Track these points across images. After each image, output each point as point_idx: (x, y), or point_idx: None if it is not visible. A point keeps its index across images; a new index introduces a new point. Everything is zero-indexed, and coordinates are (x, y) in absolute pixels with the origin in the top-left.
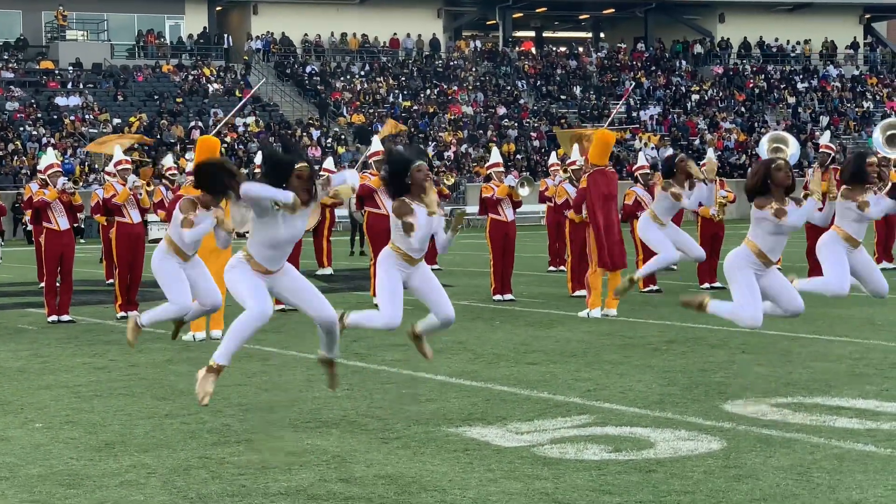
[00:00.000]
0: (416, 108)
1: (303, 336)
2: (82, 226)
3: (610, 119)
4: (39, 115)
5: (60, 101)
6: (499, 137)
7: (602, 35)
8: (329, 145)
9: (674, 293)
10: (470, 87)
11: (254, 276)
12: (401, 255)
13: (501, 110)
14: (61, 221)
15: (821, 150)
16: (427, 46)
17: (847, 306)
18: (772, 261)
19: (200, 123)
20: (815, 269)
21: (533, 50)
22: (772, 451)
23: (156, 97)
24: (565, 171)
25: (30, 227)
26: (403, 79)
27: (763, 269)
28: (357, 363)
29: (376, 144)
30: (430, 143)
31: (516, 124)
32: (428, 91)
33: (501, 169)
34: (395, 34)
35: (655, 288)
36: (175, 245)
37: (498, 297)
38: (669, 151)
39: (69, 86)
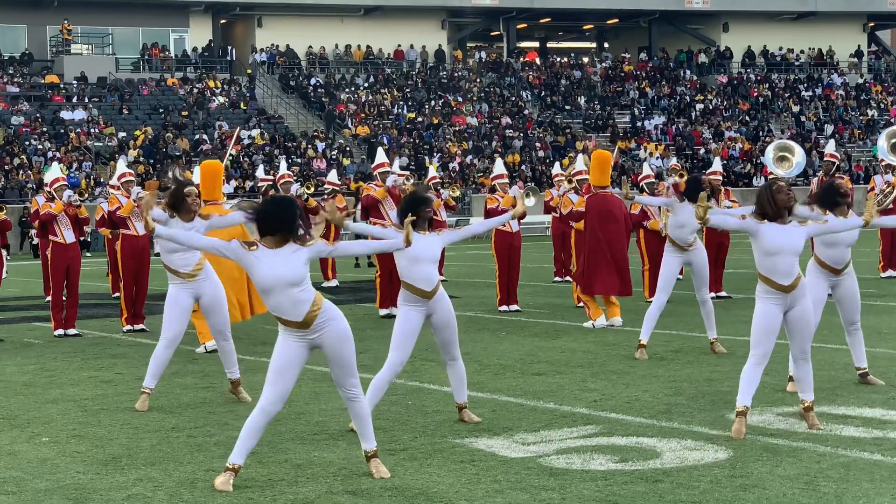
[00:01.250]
0: (420, 119)
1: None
2: (88, 239)
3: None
4: (45, 129)
5: (66, 114)
6: (503, 148)
7: (606, 45)
8: (334, 157)
9: (679, 303)
10: (474, 98)
11: (286, 351)
12: (412, 290)
13: (506, 121)
14: (67, 235)
15: (826, 158)
16: (431, 58)
17: None
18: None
19: (206, 136)
20: None
21: (537, 60)
22: (778, 461)
23: (161, 110)
24: (570, 181)
25: (36, 241)
26: (408, 90)
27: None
28: (364, 374)
29: (381, 156)
30: (434, 154)
31: (521, 135)
32: (432, 102)
33: (506, 180)
34: (399, 46)
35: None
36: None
37: (504, 307)
38: (674, 161)
39: (74, 99)
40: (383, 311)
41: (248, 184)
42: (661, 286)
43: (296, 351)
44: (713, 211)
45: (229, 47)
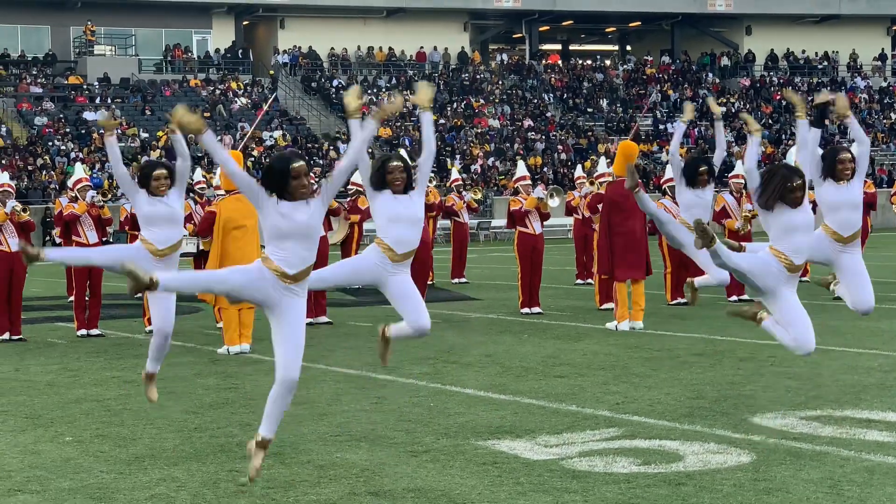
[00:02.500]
0: (442, 121)
1: (332, 349)
2: (111, 240)
3: (633, 132)
4: (68, 130)
5: (89, 115)
6: (525, 150)
7: (628, 48)
8: None
9: (701, 306)
10: (496, 101)
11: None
12: (384, 248)
13: (528, 123)
14: (90, 235)
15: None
16: (454, 60)
17: (876, 319)
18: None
19: (227, 137)
20: None
21: (559, 63)
22: (801, 465)
23: None
24: (592, 183)
25: (59, 241)
26: None
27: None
28: (386, 377)
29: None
30: (456, 156)
31: (543, 137)
32: (455, 104)
33: (528, 182)
34: (421, 48)
35: (683, 301)
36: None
37: (526, 310)
38: None
39: (97, 100)
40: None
41: None
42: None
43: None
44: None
45: (252, 49)
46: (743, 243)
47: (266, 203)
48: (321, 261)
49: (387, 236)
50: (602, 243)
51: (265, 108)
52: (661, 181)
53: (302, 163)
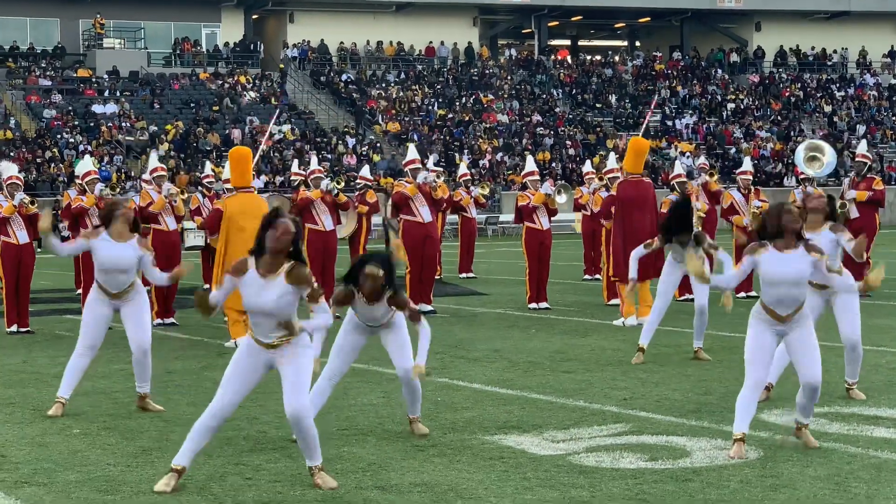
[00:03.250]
0: (451, 116)
1: None
2: None
3: (644, 127)
4: (76, 123)
5: (97, 108)
6: (534, 146)
7: (638, 43)
8: (364, 153)
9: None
10: (505, 96)
11: (238, 360)
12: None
13: (537, 118)
14: None
15: (857, 159)
16: (462, 55)
17: (885, 316)
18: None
19: (236, 131)
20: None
21: (568, 58)
22: (809, 461)
23: (192, 105)
24: (601, 178)
25: (67, 234)
26: (439, 87)
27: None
28: (393, 371)
29: (412, 153)
30: (465, 151)
31: (552, 132)
32: (463, 99)
33: (537, 177)
34: (430, 42)
35: (691, 297)
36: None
37: (533, 305)
38: (702, 160)
39: (106, 93)
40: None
41: (279, 179)
42: (661, 291)
43: (253, 364)
44: (714, 277)
45: (261, 43)
46: None
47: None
48: (330, 255)
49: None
50: (617, 246)
51: (270, 125)
52: (670, 177)
53: (287, 234)
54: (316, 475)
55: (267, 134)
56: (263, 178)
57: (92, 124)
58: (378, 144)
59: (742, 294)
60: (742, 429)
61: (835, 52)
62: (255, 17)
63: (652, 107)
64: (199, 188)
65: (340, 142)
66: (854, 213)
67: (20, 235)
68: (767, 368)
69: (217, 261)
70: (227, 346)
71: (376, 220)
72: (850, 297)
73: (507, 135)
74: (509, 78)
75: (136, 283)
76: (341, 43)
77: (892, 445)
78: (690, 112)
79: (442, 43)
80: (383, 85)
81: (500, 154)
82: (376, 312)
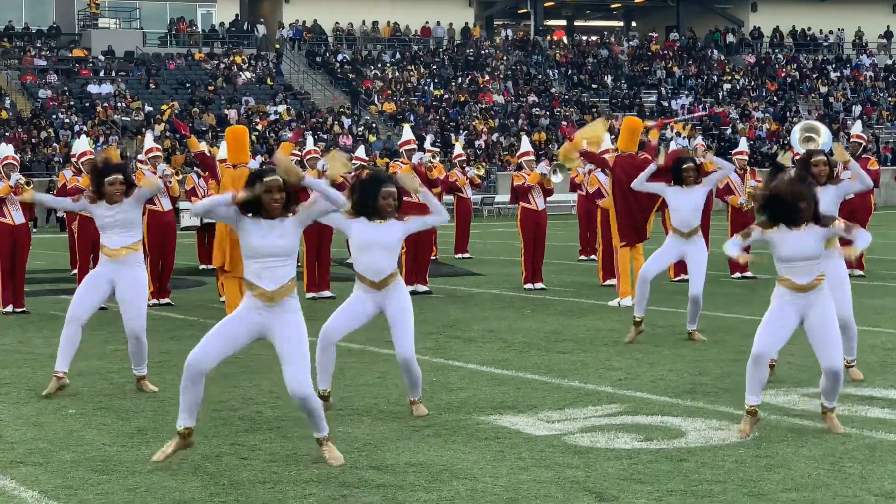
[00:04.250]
0: (447, 96)
1: None
2: None
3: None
4: (72, 103)
5: (93, 88)
6: (530, 126)
7: (634, 24)
8: (360, 133)
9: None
10: (501, 76)
11: (232, 317)
12: (359, 278)
13: (532, 99)
14: None
15: (852, 139)
16: (458, 35)
17: (880, 296)
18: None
19: (232, 111)
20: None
21: (564, 39)
22: (803, 441)
23: (188, 85)
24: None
25: (62, 214)
26: (434, 67)
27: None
28: (389, 351)
29: (407, 133)
30: (461, 131)
31: (547, 113)
32: (459, 80)
33: (532, 158)
34: (426, 23)
35: (686, 277)
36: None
37: (529, 285)
38: (699, 140)
39: (101, 73)
40: (408, 288)
41: None
42: (653, 258)
43: (247, 326)
44: (729, 243)
45: (256, 23)
46: None
47: (241, 223)
48: (325, 237)
49: (360, 266)
50: (620, 213)
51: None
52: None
53: (275, 177)
54: (324, 446)
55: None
56: (259, 158)
57: (87, 104)
58: (374, 125)
59: (738, 275)
60: (752, 401)
61: (831, 32)
62: None
63: (688, 115)
64: (194, 168)
65: (336, 122)
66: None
67: (16, 216)
68: (775, 341)
69: (218, 237)
70: None
71: None
72: (840, 276)
73: (502, 115)
74: (505, 58)
75: (137, 253)
76: (337, 23)
77: (887, 426)
78: (686, 93)
79: (438, 23)
80: (379, 65)
81: (496, 134)
82: (382, 234)
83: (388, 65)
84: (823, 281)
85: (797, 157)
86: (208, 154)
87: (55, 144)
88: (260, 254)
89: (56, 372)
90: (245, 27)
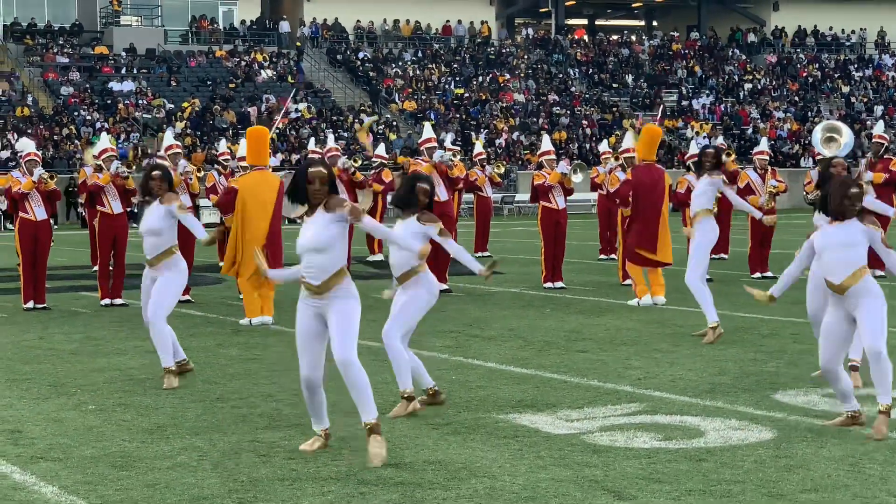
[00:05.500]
0: (467, 95)
1: None
2: (135, 210)
3: (660, 112)
4: (94, 100)
5: (114, 86)
6: (550, 125)
7: (655, 23)
8: (381, 132)
9: (724, 283)
10: (522, 75)
11: (298, 321)
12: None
13: (553, 98)
14: (115, 205)
15: (874, 139)
16: (479, 34)
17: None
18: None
19: (252, 109)
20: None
21: (585, 38)
22: (823, 442)
23: (208, 83)
24: (617, 158)
25: (83, 211)
26: (455, 66)
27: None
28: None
29: (428, 131)
30: (481, 130)
31: (568, 112)
32: (480, 78)
33: (553, 157)
34: (447, 21)
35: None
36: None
37: (548, 284)
38: (720, 140)
39: (123, 71)
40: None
41: (295, 157)
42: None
43: (308, 320)
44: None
45: (278, 21)
46: None
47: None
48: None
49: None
50: (632, 229)
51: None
52: (685, 157)
53: (319, 168)
54: (371, 438)
55: (283, 112)
56: (280, 156)
57: (109, 101)
58: (394, 123)
59: (758, 275)
60: (850, 408)
61: (853, 32)
62: None
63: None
64: (215, 166)
65: (356, 120)
66: (871, 194)
67: (38, 212)
68: (838, 348)
69: (231, 240)
70: (241, 323)
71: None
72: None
73: (523, 114)
74: (526, 57)
75: (175, 257)
76: (358, 21)
77: None
78: (707, 92)
79: (459, 22)
80: (400, 63)
81: (517, 133)
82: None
83: (409, 63)
84: (866, 275)
85: (819, 158)
86: (228, 151)
87: (77, 141)
88: (303, 248)
89: (166, 367)
90: (267, 25)
